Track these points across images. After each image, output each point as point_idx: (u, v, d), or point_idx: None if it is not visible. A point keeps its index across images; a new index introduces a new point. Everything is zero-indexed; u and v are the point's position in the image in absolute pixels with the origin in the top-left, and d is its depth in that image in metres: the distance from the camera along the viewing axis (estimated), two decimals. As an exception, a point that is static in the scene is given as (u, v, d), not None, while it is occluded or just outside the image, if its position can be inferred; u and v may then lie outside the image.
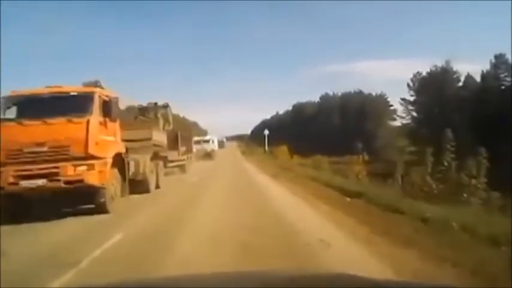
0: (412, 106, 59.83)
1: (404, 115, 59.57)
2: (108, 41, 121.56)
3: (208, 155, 37.09)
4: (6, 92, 8.96)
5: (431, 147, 10.03)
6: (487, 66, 48.39)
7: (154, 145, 13.25)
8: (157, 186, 13.05)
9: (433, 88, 51.43)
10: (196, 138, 39.23)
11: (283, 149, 37.73)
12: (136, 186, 11.05)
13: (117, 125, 9.39)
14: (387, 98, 75.62)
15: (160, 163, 14.07)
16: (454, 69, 51.41)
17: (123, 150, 9.72)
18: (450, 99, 49.13)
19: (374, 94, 78.12)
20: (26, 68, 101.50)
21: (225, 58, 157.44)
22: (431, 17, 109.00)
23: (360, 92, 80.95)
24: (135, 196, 10.79)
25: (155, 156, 13.32)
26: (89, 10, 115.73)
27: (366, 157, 17.10)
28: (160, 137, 14.45)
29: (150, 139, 12.83)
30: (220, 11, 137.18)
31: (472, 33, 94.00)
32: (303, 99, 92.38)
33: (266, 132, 43.47)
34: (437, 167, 9.29)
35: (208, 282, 1.66)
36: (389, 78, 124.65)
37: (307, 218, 7.51)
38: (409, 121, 60.62)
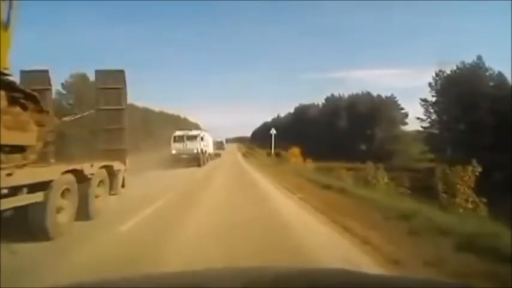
0: (432, 108, 53.27)
1: (424, 118, 52.63)
2: (113, 43, 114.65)
3: (194, 159, 25.72)
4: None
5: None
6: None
7: None
8: None
9: (461, 88, 44.75)
10: (177, 133, 27.87)
11: (295, 152, 30.57)
12: None
13: None
14: (397, 100, 69.36)
15: None
16: (487, 65, 44.89)
17: None
18: (482, 100, 42.47)
19: (384, 96, 71.74)
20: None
21: (226, 61, 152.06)
22: (436, 25, 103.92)
23: (369, 94, 74.77)
24: None
25: None
26: (93, 12, 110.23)
27: (478, 170, 10.01)
28: None
29: None
30: (225, 14, 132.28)
31: (474, 39, 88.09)
32: (304, 103, 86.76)
33: (273, 131, 32.07)
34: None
35: (203, 278, 1.56)
36: (390, 86, 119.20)
37: None
38: (428, 124, 53.83)
